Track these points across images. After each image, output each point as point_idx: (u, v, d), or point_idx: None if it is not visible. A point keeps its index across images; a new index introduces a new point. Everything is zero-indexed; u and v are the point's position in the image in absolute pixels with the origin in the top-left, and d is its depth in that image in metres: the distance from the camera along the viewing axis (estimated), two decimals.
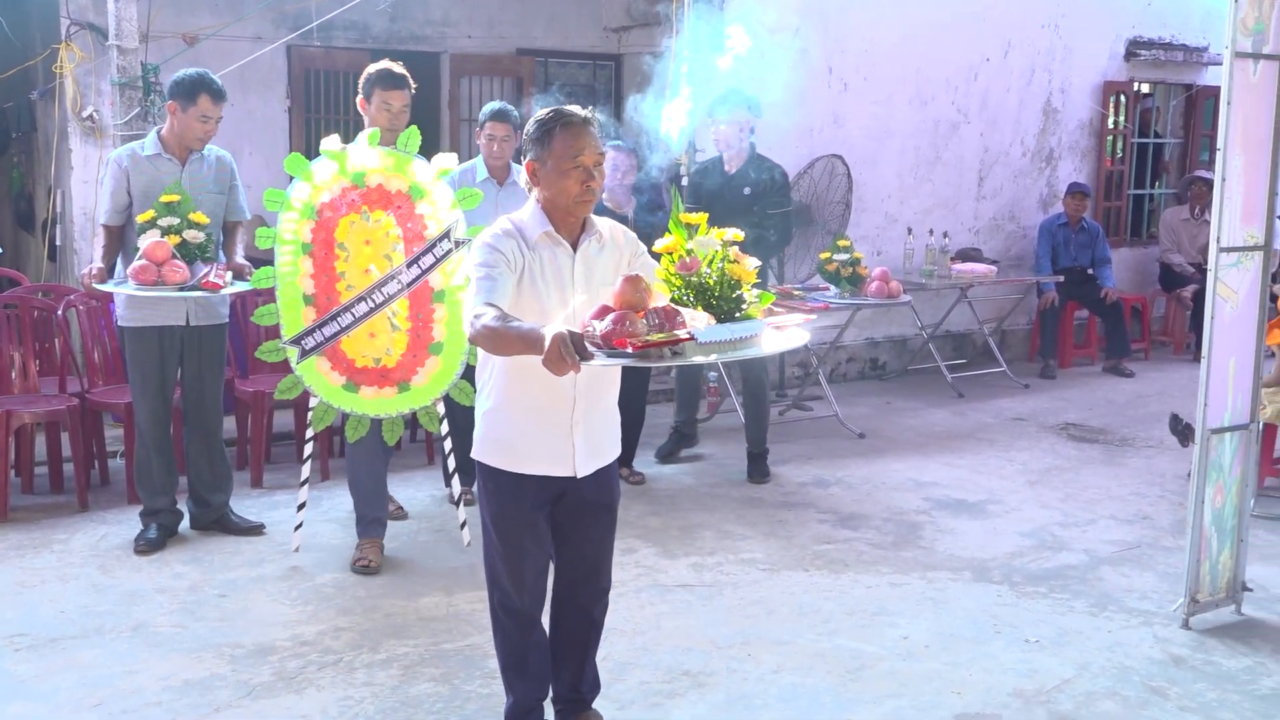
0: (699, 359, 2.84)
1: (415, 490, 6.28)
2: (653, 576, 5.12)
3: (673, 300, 3.03)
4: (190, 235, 5.12)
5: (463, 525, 5.42)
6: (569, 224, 3.25)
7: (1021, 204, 10.49)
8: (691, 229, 3.09)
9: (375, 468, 5.19)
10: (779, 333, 3.09)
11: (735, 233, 3.09)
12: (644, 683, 4.14)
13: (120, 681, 4.09)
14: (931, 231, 9.37)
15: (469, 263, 3.19)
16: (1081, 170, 10.81)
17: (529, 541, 3.37)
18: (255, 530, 5.54)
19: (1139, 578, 5.21)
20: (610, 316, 2.88)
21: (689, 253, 3.05)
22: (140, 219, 5.14)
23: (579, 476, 3.33)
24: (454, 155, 5.18)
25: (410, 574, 5.10)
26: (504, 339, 2.89)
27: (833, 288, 7.93)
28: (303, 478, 5.24)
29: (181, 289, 5.02)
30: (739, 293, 3.02)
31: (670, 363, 2.81)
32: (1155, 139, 11.78)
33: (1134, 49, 10.83)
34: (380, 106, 5.14)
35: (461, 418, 5.43)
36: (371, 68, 5.22)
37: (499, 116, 5.80)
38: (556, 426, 3.28)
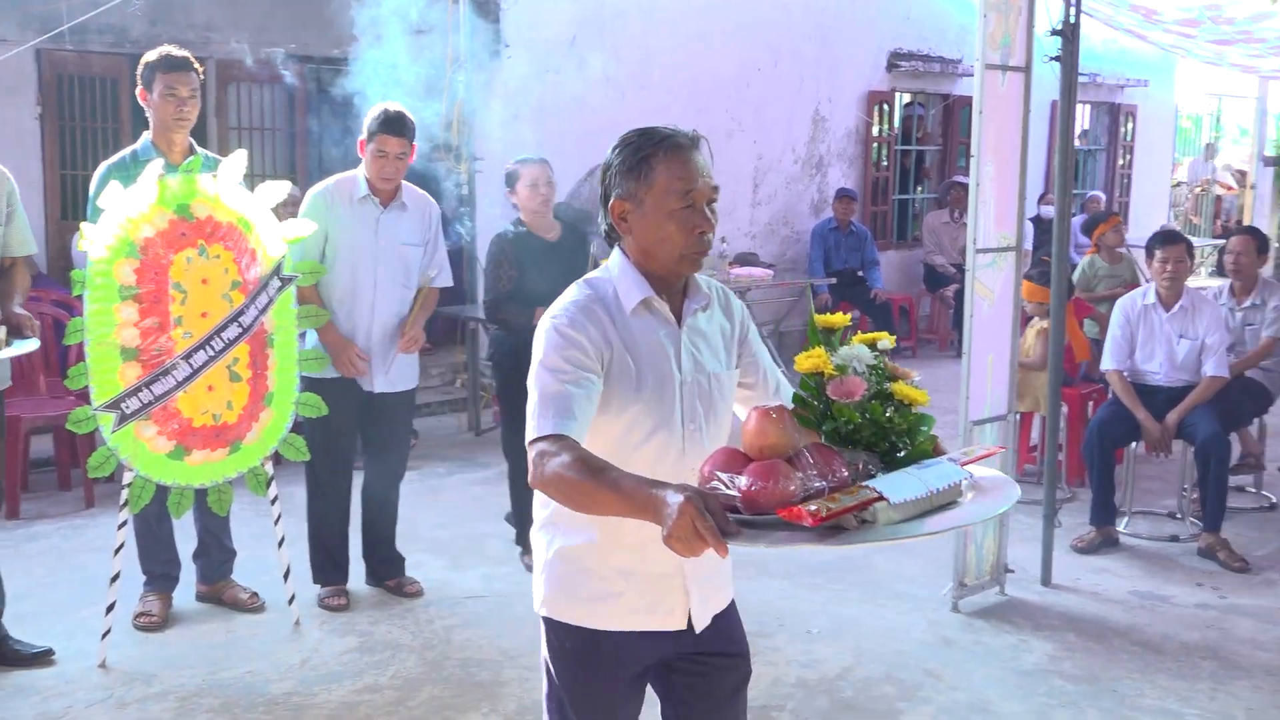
0: (888, 531, 1.93)
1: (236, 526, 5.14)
2: (442, 590, 5.05)
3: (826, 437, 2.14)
4: None
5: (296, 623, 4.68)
6: (670, 287, 2.35)
7: (794, 209, 10.84)
8: (829, 334, 2.23)
9: (161, 520, 4.59)
10: (975, 482, 2.16)
11: (888, 337, 2.26)
12: (434, 697, 4.08)
13: None
14: None
15: (534, 354, 2.25)
16: (849, 176, 11.25)
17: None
18: (42, 659, 4.30)
19: (910, 565, 5.44)
20: (752, 468, 1.97)
21: (841, 369, 2.16)
22: None
23: (698, 630, 2.42)
24: (287, 184, 4.50)
25: (187, 600, 4.87)
26: (592, 497, 2.02)
27: None
28: (113, 572, 4.30)
29: None
30: (911, 420, 2.17)
31: (854, 542, 1.90)
32: (917, 146, 12.37)
33: (895, 60, 11.35)
34: (164, 94, 4.48)
35: (328, 509, 4.92)
36: (150, 54, 4.57)
37: (391, 127, 4.70)
38: (664, 564, 2.29)
